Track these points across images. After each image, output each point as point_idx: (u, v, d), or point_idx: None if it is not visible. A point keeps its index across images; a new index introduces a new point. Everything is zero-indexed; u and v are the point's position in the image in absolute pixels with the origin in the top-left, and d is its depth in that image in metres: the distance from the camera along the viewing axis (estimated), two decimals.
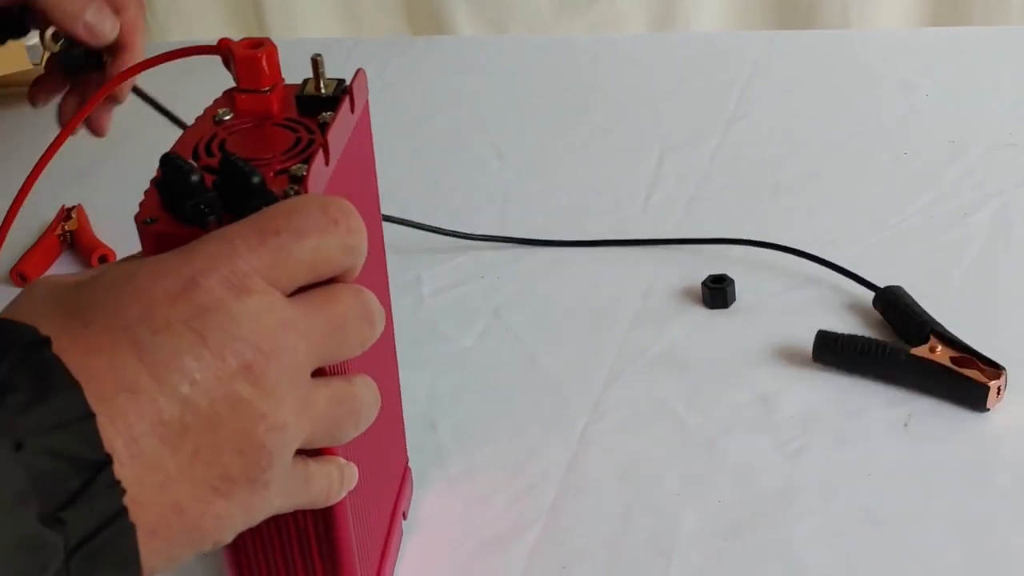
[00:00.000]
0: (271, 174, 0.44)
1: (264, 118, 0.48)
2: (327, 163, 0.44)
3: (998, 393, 0.64)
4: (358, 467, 0.46)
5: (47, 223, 0.89)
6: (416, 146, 0.98)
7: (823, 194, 0.86)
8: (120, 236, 0.87)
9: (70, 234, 0.88)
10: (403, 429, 0.63)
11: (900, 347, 0.67)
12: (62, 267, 0.87)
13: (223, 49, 0.50)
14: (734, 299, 0.75)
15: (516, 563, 0.59)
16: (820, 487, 0.61)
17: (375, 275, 0.55)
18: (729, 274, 0.75)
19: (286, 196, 0.42)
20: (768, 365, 0.69)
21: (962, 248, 0.77)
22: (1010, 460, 0.61)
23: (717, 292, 0.74)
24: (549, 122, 1.00)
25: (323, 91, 0.49)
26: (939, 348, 0.66)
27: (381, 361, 0.50)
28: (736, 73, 1.03)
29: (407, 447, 0.64)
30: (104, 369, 0.34)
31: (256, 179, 0.41)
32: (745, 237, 0.81)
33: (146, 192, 0.43)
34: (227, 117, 0.48)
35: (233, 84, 0.50)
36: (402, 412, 0.63)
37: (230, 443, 0.36)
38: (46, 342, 0.34)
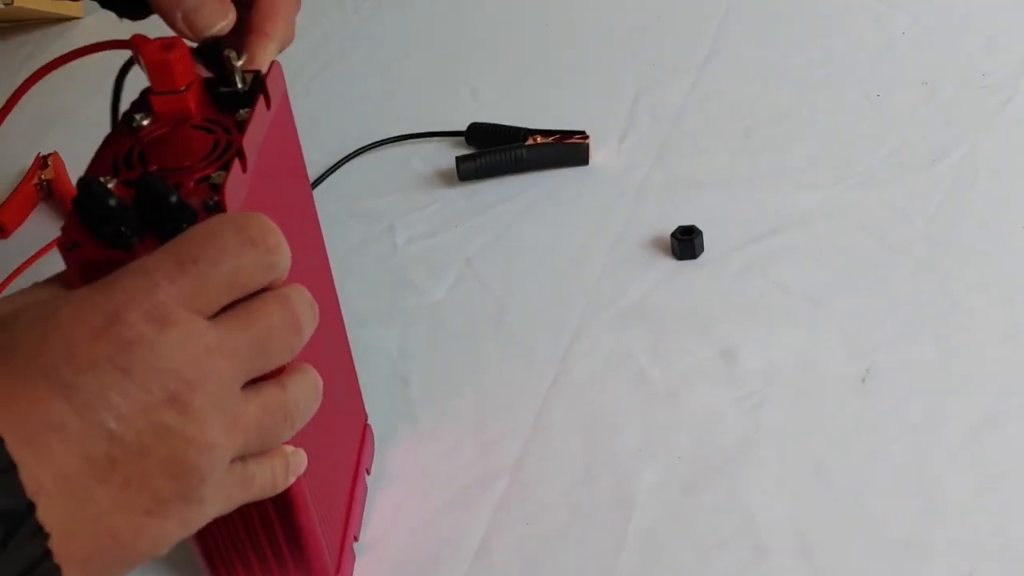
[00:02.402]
0: (191, 183, 0.44)
1: (182, 119, 0.48)
2: (244, 170, 0.45)
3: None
4: (310, 439, 0.47)
5: (23, 172, 0.89)
6: (390, 84, 0.98)
7: (794, 137, 0.86)
8: None
9: (47, 183, 0.89)
10: (358, 389, 0.64)
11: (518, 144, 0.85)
12: (40, 217, 0.88)
13: (134, 47, 0.50)
14: (702, 250, 0.76)
15: (481, 518, 0.61)
16: (776, 442, 0.63)
17: (312, 261, 0.56)
18: (699, 222, 0.76)
19: (206, 209, 0.42)
20: (732, 319, 0.71)
21: (925, 195, 0.78)
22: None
23: (685, 244, 0.75)
24: (524, 59, 0.99)
25: (239, 86, 0.49)
26: (539, 138, 0.84)
27: (325, 332, 0.51)
28: (713, 5, 1.02)
29: (374, 405, 0.66)
30: (29, 412, 0.35)
31: (174, 198, 0.41)
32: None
33: (66, 214, 0.43)
34: (145, 122, 0.48)
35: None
36: (355, 372, 0.64)
37: (160, 469, 0.37)
38: None
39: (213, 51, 0.50)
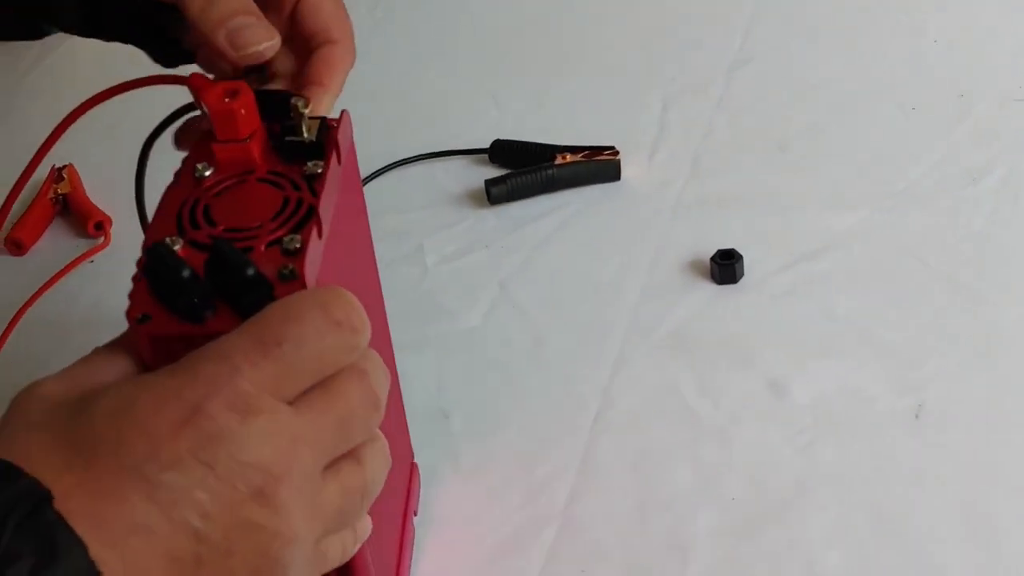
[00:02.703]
0: (262, 247, 0.42)
1: (246, 170, 0.46)
2: (320, 236, 0.43)
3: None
4: None
5: (37, 185, 0.87)
6: (408, 93, 0.96)
7: (829, 152, 0.84)
8: (113, 197, 0.86)
9: (63, 197, 0.86)
10: (406, 427, 0.63)
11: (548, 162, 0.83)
12: (57, 232, 0.86)
13: (194, 87, 0.48)
14: (743, 274, 0.74)
15: (533, 566, 0.60)
16: (832, 484, 0.62)
17: (374, 309, 0.54)
18: (736, 243, 0.75)
19: (280, 278, 0.41)
20: (777, 348, 0.69)
21: (968, 217, 0.77)
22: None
23: (726, 268, 0.74)
24: (547, 66, 0.97)
25: (306, 135, 0.47)
26: (568, 156, 0.82)
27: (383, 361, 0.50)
28: (738, 12, 1.00)
29: (415, 440, 0.64)
30: (113, 513, 0.34)
31: (250, 271, 0.40)
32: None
33: (134, 280, 0.41)
34: (207, 173, 0.46)
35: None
36: (404, 410, 0.62)
37: (244, 565, 0.36)
38: (47, 498, 0.33)
39: (278, 97, 0.48)
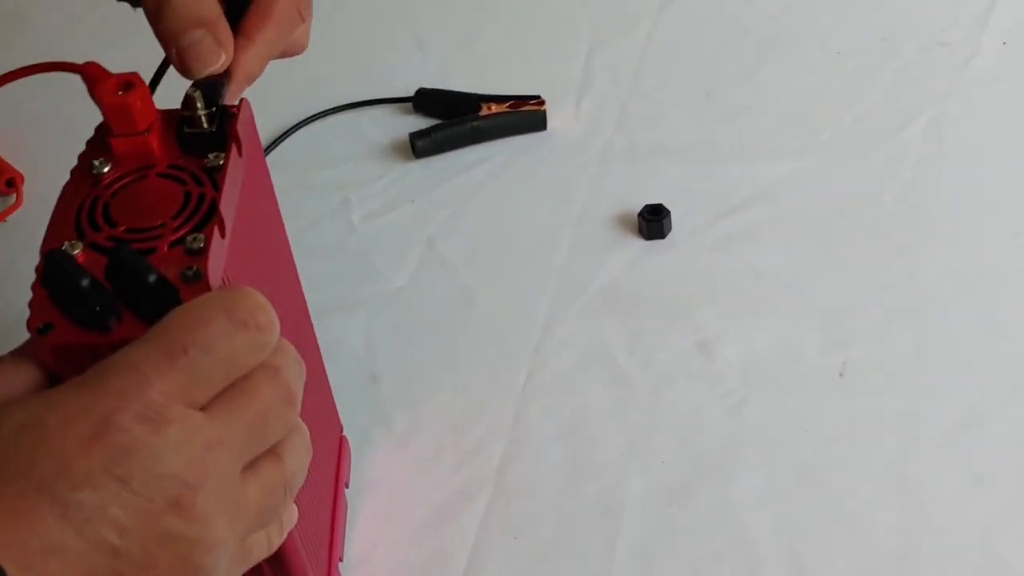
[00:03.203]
0: (165, 247, 0.41)
1: (145, 164, 0.45)
2: (223, 234, 0.42)
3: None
4: None
5: None
6: (332, 37, 0.93)
7: (755, 99, 0.84)
8: (26, 153, 0.82)
9: None
10: (333, 403, 0.62)
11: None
12: None
13: (88, 77, 0.46)
14: (671, 229, 0.74)
15: (468, 533, 0.60)
16: (760, 444, 0.63)
17: (287, 299, 0.53)
18: (663, 196, 0.74)
19: (184, 280, 0.40)
20: (707, 306, 0.70)
21: (894, 167, 0.77)
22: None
23: (654, 225, 0.73)
24: (472, 6, 0.95)
25: (205, 126, 0.46)
26: (493, 107, 0.80)
27: (301, 348, 0.49)
28: None
29: (345, 406, 0.63)
30: (27, 535, 0.33)
31: (152, 277, 0.39)
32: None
33: (33, 288, 0.40)
34: (106, 169, 0.44)
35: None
36: (329, 386, 0.62)
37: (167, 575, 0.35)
38: None
39: (212, 87, 0.46)
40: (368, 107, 0.85)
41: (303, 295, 0.57)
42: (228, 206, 0.43)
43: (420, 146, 0.80)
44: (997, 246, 0.71)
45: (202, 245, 0.41)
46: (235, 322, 0.38)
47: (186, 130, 0.45)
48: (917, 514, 0.59)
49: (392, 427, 0.65)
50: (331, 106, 0.85)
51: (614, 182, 0.78)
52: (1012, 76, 0.83)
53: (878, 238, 0.73)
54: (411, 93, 0.85)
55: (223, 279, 0.41)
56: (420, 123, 0.82)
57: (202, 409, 0.37)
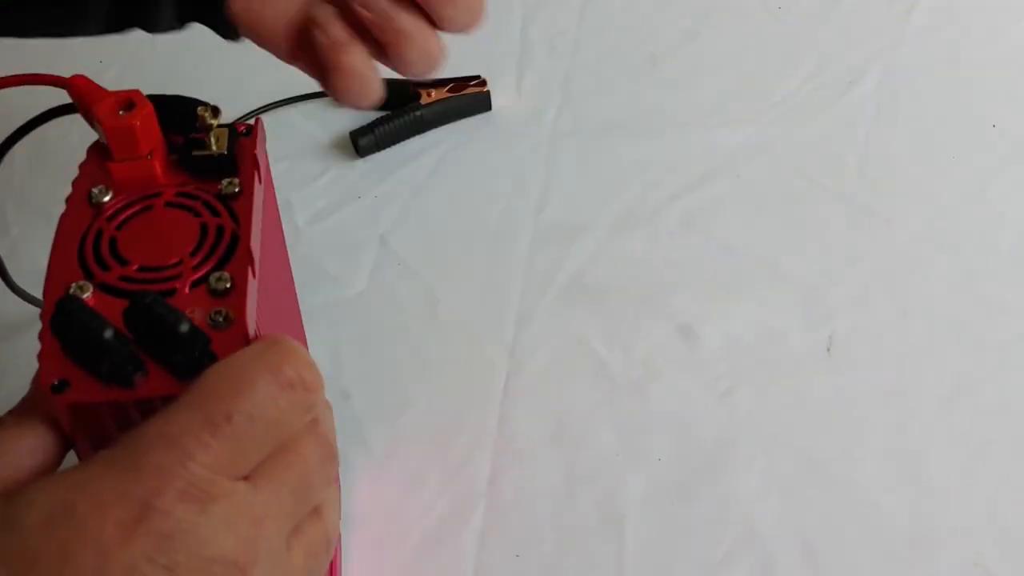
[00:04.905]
0: (186, 288, 0.37)
1: (150, 192, 0.40)
2: (255, 274, 0.38)
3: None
4: None
5: None
6: None
7: (701, 63, 0.81)
8: None
9: None
10: None
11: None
12: None
13: (78, 92, 0.42)
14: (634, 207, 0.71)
15: (467, 555, 0.57)
16: (756, 432, 0.61)
17: (288, 299, 0.50)
18: (621, 173, 0.72)
19: (212, 325, 0.36)
20: (681, 288, 0.67)
21: (851, 126, 0.75)
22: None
23: None
24: None
25: (215, 146, 0.41)
26: (433, 92, 0.76)
27: None
28: None
29: None
30: None
31: (185, 327, 0.35)
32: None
33: (41, 338, 0.35)
34: (105, 198, 0.40)
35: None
36: None
37: None
38: None
39: (179, 105, 0.42)
40: (301, 102, 0.80)
41: (303, 325, 0.53)
42: (255, 241, 0.39)
43: (363, 144, 0.76)
44: (966, 197, 0.70)
45: (229, 285, 0.37)
46: (281, 383, 0.35)
47: (194, 153, 0.41)
48: (924, 492, 0.57)
49: (371, 448, 0.62)
50: (258, 105, 0.80)
51: (567, 163, 0.75)
52: (954, 23, 0.82)
53: (845, 201, 0.71)
54: None
55: (256, 325, 0.37)
56: (356, 115, 0.78)
57: (246, 479, 0.34)
